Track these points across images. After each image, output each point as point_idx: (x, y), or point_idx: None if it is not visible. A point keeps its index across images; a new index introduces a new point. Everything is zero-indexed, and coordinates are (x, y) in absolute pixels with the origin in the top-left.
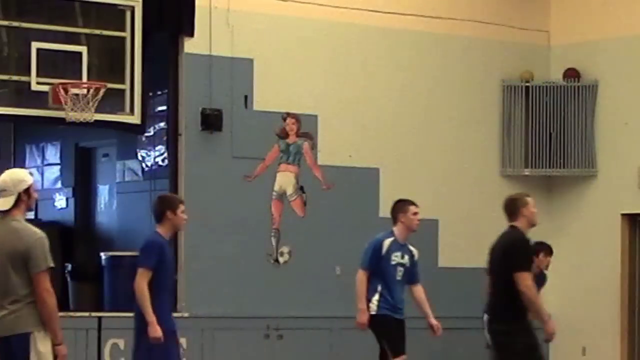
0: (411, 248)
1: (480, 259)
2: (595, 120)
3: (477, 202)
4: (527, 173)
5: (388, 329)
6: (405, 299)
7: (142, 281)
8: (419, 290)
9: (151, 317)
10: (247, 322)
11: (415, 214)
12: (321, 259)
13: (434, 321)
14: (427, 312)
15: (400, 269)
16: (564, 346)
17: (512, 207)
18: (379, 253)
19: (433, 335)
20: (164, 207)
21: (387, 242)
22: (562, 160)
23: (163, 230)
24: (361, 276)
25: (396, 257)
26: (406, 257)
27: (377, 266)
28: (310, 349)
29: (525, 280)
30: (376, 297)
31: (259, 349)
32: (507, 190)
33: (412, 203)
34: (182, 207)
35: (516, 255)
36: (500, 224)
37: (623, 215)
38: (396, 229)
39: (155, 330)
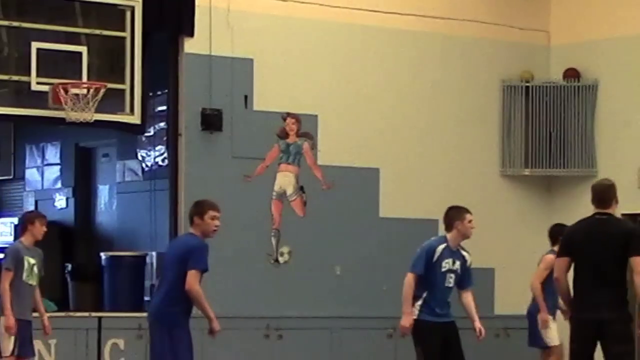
0: (464, 253)
1: (480, 259)
2: (595, 120)
3: (477, 202)
4: (527, 173)
5: (426, 336)
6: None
7: (196, 282)
8: (468, 295)
9: (212, 313)
10: (247, 322)
11: (470, 221)
12: (321, 259)
13: (478, 325)
14: (473, 317)
15: (451, 276)
16: (564, 346)
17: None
18: (431, 259)
19: (478, 339)
20: (192, 212)
21: (440, 248)
22: (562, 160)
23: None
24: (410, 280)
25: (447, 264)
26: (457, 262)
27: (426, 272)
28: (310, 349)
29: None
30: (419, 302)
31: (259, 349)
32: (507, 190)
33: (468, 211)
34: (211, 213)
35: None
36: (500, 224)
37: (623, 215)
38: (450, 236)
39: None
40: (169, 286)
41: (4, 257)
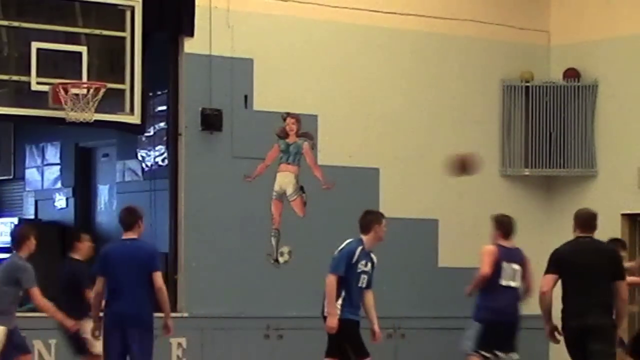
0: (372, 256)
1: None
2: (595, 120)
3: (477, 202)
4: (527, 173)
5: (353, 333)
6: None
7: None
8: (370, 296)
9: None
10: (247, 322)
11: (385, 226)
12: (321, 259)
13: (377, 328)
14: (373, 319)
15: (364, 277)
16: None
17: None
18: (351, 261)
19: (372, 341)
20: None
21: (358, 250)
22: (562, 160)
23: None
24: (333, 281)
25: (362, 265)
26: (369, 265)
27: (345, 273)
28: (310, 349)
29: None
30: (339, 302)
31: (259, 349)
32: (507, 190)
33: (384, 216)
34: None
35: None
36: None
37: (623, 215)
38: (366, 238)
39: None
40: (142, 289)
41: (22, 277)
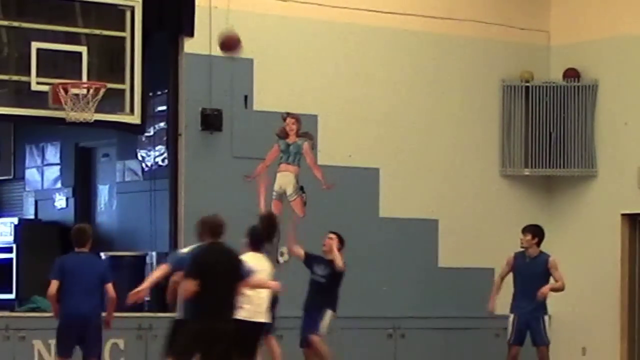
0: None
1: (480, 259)
2: (595, 120)
3: (477, 202)
4: (527, 173)
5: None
6: None
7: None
8: None
9: None
10: None
11: None
12: None
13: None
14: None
15: None
16: (564, 346)
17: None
18: None
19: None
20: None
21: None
22: (562, 160)
23: None
24: (165, 268)
25: None
26: None
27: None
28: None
29: None
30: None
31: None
32: (507, 190)
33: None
34: None
35: None
36: (500, 224)
37: (623, 215)
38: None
39: None
40: (99, 294)
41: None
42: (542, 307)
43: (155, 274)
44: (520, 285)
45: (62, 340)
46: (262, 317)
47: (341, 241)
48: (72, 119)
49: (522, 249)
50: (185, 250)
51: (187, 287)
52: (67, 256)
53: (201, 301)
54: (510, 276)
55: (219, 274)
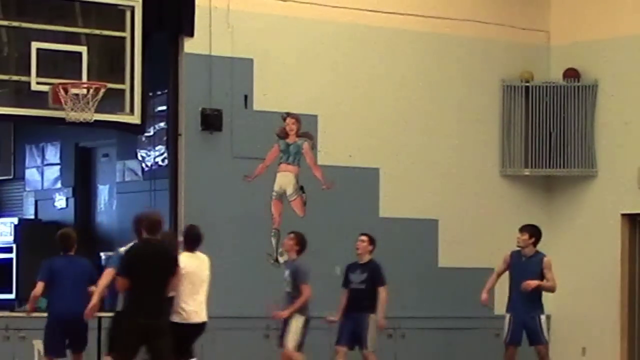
0: None
1: (480, 259)
2: (595, 120)
3: (477, 202)
4: (527, 173)
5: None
6: None
7: None
8: None
9: None
10: (247, 322)
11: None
12: (321, 259)
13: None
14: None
15: None
16: (564, 346)
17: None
18: None
19: None
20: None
21: None
22: (562, 160)
23: None
24: (111, 272)
25: None
26: None
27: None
28: (310, 349)
29: None
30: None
31: (259, 349)
32: (507, 190)
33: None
34: None
35: None
36: (500, 224)
37: (623, 215)
38: None
39: None
40: (86, 294)
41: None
42: (538, 307)
43: (102, 282)
44: (515, 284)
45: (53, 339)
46: (204, 317)
47: (372, 242)
48: (72, 119)
49: (518, 248)
50: (123, 249)
51: (118, 284)
52: (55, 258)
53: (135, 297)
54: (506, 276)
55: (152, 271)
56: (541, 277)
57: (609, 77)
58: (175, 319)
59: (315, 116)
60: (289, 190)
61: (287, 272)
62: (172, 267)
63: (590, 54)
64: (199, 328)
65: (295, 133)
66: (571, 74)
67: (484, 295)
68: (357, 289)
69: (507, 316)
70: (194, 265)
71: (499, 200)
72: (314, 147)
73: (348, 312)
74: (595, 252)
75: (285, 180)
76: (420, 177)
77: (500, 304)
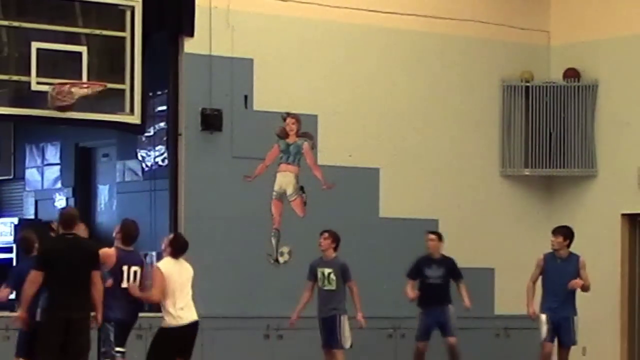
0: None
1: (480, 259)
2: (595, 120)
3: (477, 202)
4: (527, 173)
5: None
6: None
7: None
8: None
9: None
10: (247, 322)
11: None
12: None
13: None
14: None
15: None
16: None
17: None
18: None
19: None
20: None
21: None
22: (562, 160)
23: None
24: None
25: None
26: None
27: None
28: (310, 349)
29: None
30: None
31: (259, 349)
32: (507, 190)
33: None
34: None
35: None
36: (500, 224)
37: (623, 215)
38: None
39: None
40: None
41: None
42: (572, 308)
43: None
44: (550, 286)
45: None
46: (195, 317)
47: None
48: (57, 105)
49: (551, 251)
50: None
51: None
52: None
53: (52, 292)
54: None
55: (68, 265)
56: (577, 277)
57: (609, 77)
58: (171, 323)
59: (315, 116)
60: (289, 190)
61: (328, 271)
62: (92, 261)
63: (590, 54)
64: (193, 327)
65: (295, 133)
66: (571, 74)
67: (531, 310)
68: (434, 284)
69: (543, 316)
70: (175, 270)
71: (499, 200)
72: (314, 147)
73: (428, 307)
74: (595, 252)
75: (285, 180)
76: (420, 177)
77: (501, 304)
